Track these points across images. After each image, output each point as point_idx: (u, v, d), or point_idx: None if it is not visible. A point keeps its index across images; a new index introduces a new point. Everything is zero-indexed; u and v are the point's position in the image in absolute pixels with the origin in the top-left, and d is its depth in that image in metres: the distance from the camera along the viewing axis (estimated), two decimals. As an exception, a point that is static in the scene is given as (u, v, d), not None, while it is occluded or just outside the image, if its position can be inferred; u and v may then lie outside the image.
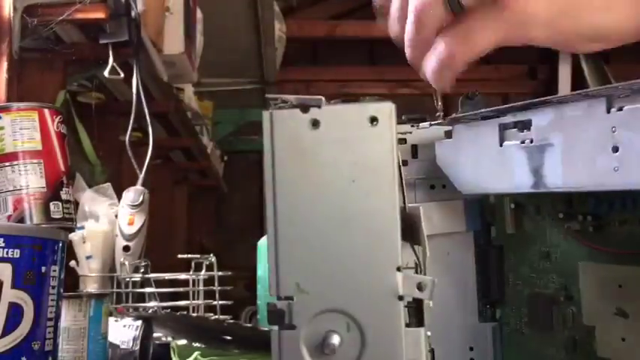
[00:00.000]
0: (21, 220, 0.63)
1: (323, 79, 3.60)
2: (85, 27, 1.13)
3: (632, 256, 0.52)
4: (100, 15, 1.06)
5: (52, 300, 0.54)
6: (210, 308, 0.89)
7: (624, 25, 0.37)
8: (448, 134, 0.60)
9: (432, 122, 0.63)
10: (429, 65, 0.39)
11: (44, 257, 0.53)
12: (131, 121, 1.09)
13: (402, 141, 0.64)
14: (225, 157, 2.73)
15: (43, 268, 0.53)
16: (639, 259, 0.52)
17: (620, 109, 0.44)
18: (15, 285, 0.51)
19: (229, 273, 0.90)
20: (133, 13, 1.11)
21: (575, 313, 0.58)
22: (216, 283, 0.89)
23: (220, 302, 0.88)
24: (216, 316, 0.87)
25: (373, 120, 0.38)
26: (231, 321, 0.83)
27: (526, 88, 3.48)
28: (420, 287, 0.37)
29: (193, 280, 0.89)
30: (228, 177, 2.84)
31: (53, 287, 0.54)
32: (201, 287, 0.89)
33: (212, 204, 3.22)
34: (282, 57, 2.68)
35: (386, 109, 0.38)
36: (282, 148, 0.38)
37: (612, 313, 0.53)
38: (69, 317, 0.68)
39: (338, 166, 0.38)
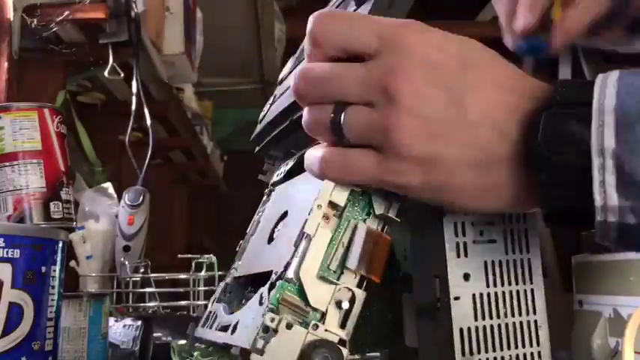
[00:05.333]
0: (21, 220, 0.63)
1: (323, 79, 3.59)
2: (85, 27, 1.13)
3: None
4: (99, 15, 1.06)
5: (52, 300, 0.54)
6: (211, 308, 0.89)
7: (500, 208, 0.39)
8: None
9: None
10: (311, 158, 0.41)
11: (44, 257, 0.53)
12: (131, 121, 1.09)
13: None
14: (225, 157, 2.73)
15: (43, 268, 0.53)
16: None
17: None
18: (15, 285, 0.50)
19: (229, 273, 0.90)
20: (132, 13, 1.10)
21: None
22: (216, 283, 0.89)
23: (220, 302, 0.88)
24: (217, 316, 0.87)
25: None
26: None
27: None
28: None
29: (194, 280, 0.89)
30: (228, 177, 2.83)
31: (53, 287, 0.54)
32: (201, 287, 0.89)
33: (212, 204, 3.21)
34: (282, 57, 2.68)
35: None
36: None
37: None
38: (69, 317, 0.68)
39: None
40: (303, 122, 0.40)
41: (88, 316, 0.69)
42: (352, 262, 0.39)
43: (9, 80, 0.99)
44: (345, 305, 0.38)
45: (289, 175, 0.53)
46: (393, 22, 0.38)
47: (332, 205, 0.40)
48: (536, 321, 0.42)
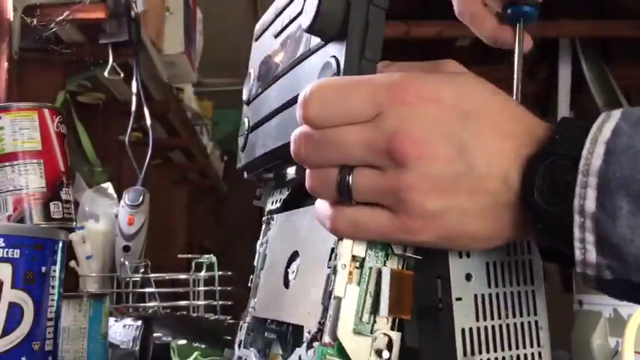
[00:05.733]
0: (21, 220, 0.63)
1: (323, 79, 3.59)
2: (85, 27, 1.13)
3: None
4: (99, 15, 1.06)
5: (52, 300, 0.54)
6: (211, 308, 0.89)
7: (502, 244, 0.40)
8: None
9: None
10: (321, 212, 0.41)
11: (44, 257, 0.53)
12: (131, 121, 1.10)
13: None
14: (225, 157, 2.72)
15: (43, 268, 0.53)
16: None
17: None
18: (15, 285, 0.50)
19: (229, 273, 0.90)
20: (132, 13, 1.11)
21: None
22: (216, 283, 0.89)
23: (220, 302, 0.88)
24: (216, 316, 0.87)
25: None
26: (231, 321, 0.83)
27: (525, 89, 3.47)
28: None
29: (193, 280, 0.89)
30: (228, 177, 2.83)
31: (53, 287, 0.54)
32: (201, 287, 0.89)
33: (212, 204, 3.21)
34: (282, 57, 2.68)
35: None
36: None
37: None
38: (69, 317, 0.68)
39: None
40: (307, 185, 0.40)
41: (88, 316, 0.69)
42: (383, 309, 0.39)
43: (9, 80, 0.99)
44: (386, 355, 0.38)
45: (285, 204, 0.53)
46: (386, 83, 0.38)
47: (353, 258, 0.40)
48: (537, 322, 0.42)
